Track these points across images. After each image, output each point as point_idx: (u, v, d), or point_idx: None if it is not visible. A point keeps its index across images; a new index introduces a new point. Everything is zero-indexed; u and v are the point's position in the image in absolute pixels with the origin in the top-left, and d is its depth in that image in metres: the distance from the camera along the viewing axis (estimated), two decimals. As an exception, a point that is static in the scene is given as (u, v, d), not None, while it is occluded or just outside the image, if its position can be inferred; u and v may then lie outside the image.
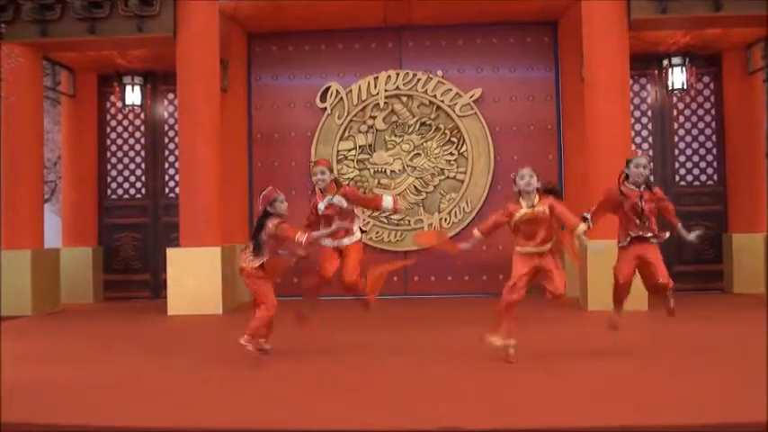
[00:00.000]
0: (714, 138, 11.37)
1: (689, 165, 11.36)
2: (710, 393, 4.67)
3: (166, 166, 11.91)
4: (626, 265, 5.99)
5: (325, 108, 11.37)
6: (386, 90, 11.27)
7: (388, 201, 6.54)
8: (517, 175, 5.80)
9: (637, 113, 11.33)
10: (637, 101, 11.35)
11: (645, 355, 5.92)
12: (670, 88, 11.09)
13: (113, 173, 11.99)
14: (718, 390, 4.74)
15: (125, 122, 11.99)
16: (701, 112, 11.42)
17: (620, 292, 6.11)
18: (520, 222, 5.67)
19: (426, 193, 11.24)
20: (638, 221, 5.91)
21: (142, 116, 11.91)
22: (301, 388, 5.06)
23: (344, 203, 6.31)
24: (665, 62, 11.06)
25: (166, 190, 11.86)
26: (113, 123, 12.03)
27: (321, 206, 6.27)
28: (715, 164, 11.33)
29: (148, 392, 5.01)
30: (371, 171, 11.29)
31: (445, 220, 11.15)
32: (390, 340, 6.68)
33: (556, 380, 5.13)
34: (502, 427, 4.01)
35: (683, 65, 10.92)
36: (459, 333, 7.22)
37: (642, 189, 5.97)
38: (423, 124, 11.30)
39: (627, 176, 6.02)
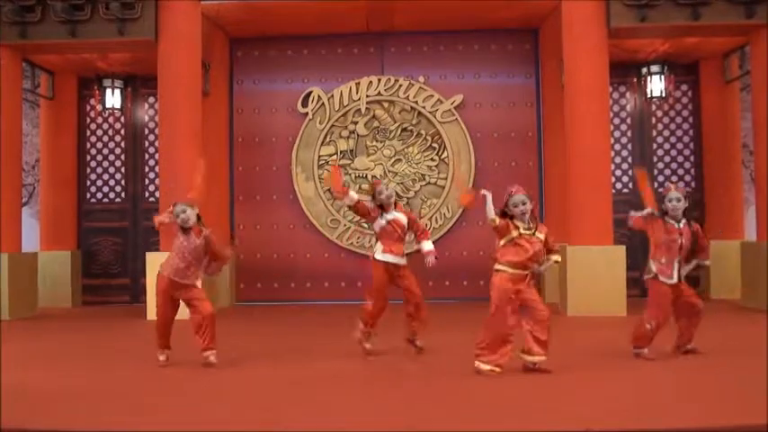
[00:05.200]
0: (692, 145, 11.51)
1: (667, 172, 11.48)
2: (704, 396, 4.74)
3: (146, 169, 11.85)
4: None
5: (307, 113, 11.38)
6: (367, 95, 11.30)
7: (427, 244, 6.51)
8: (510, 200, 5.43)
9: (616, 120, 11.43)
10: (616, 108, 11.46)
11: (633, 358, 5.97)
12: (649, 96, 11.22)
13: (93, 176, 11.91)
14: (713, 392, 4.82)
15: (105, 126, 11.92)
16: (679, 119, 11.56)
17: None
18: (512, 241, 5.41)
19: (407, 198, 11.27)
20: (675, 261, 5.83)
21: (122, 120, 11.84)
22: (289, 391, 5.06)
23: (405, 221, 6.40)
24: (644, 70, 11.18)
25: (146, 194, 11.79)
26: (93, 127, 11.95)
27: (382, 221, 6.32)
28: (693, 171, 11.46)
29: (125, 396, 4.98)
30: (353, 176, 11.29)
31: (426, 225, 11.15)
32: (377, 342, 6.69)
33: (550, 383, 5.16)
34: (489, 429, 4.04)
35: (661, 73, 11.06)
36: (443, 336, 7.25)
37: (681, 225, 5.85)
38: (404, 130, 11.34)
39: (665, 212, 5.86)
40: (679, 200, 5.85)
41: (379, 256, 6.36)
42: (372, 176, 11.20)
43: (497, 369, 5.41)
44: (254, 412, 4.49)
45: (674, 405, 4.47)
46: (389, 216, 6.35)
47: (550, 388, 5.02)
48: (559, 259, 5.63)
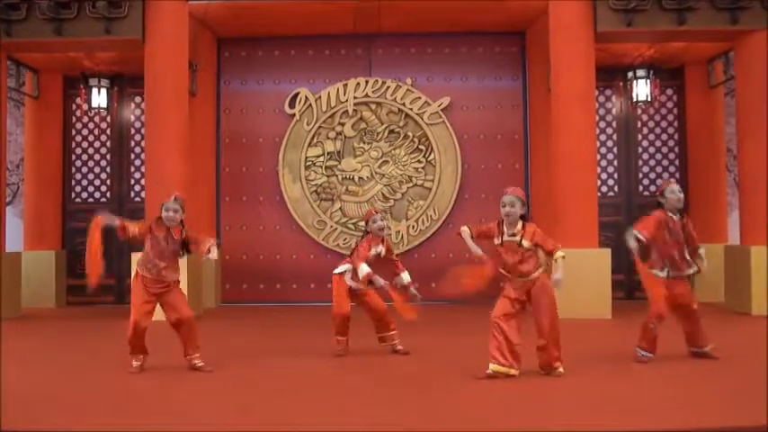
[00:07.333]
0: (677, 149, 11.60)
1: (652, 175, 11.56)
2: (700, 397, 4.79)
3: (132, 169, 11.78)
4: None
5: (294, 114, 11.37)
6: (355, 97, 11.30)
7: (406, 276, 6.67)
8: (501, 201, 5.46)
9: (602, 124, 11.51)
10: (602, 112, 11.53)
11: (623, 361, 6.01)
12: (634, 100, 11.29)
13: (78, 176, 11.83)
14: (708, 394, 4.88)
15: (90, 125, 11.84)
16: (664, 123, 11.65)
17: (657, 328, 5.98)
18: (500, 248, 5.45)
19: (394, 200, 11.28)
20: (676, 253, 5.96)
21: (108, 119, 11.77)
22: (277, 391, 5.06)
23: (383, 253, 6.60)
24: (630, 74, 11.26)
25: (132, 194, 11.72)
26: (78, 126, 11.87)
27: (374, 253, 6.47)
28: (677, 175, 11.54)
29: (111, 398, 4.96)
30: (339, 178, 11.30)
31: (413, 227, 11.20)
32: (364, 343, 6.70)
33: (542, 385, 5.18)
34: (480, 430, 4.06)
35: (647, 77, 11.13)
36: (432, 339, 7.27)
37: (678, 217, 6.03)
38: (391, 132, 11.35)
39: (660, 204, 6.03)
40: (681, 191, 6.01)
41: (348, 281, 6.50)
42: (360, 178, 11.22)
43: (502, 370, 5.35)
44: (240, 413, 4.48)
45: (671, 406, 4.51)
46: (376, 251, 6.49)
47: (543, 390, 5.04)
48: (563, 255, 5.40)
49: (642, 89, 11.17)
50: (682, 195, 6.01)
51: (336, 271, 6.59)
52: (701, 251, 6.14)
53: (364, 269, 6.27)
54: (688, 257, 6.03)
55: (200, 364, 5.80)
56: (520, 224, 5.44)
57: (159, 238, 5.83)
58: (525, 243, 5.38)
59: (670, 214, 6.00)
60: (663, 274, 5.99)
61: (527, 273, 5.41)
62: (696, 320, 6.09)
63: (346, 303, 6.47)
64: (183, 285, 9.21)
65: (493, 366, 5.34)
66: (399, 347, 6.53)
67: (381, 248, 6.52)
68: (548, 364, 5.45)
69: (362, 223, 6.81)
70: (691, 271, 6.07)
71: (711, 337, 6.23)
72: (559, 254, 5.38)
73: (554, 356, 5.43)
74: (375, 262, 6.49)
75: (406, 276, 6.58)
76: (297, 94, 11.38)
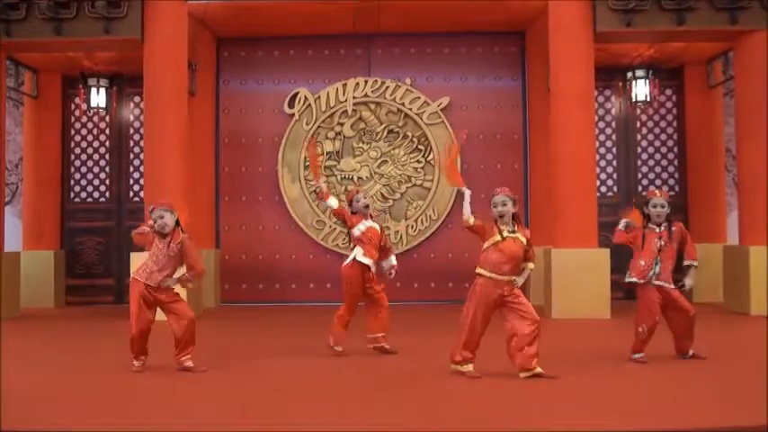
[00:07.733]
0: (676, 149, 11.60)
1: (651, 175, 11.57)
2: (698, 397, 4.80)
3: (131, 169, 11.77)
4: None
5: (293, 114, 11.36)
6: (354, 97, 11.30)
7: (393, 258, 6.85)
8: (491, 200, 5.47)
9: (601, 124, 11.50)
10: (601, 112, 11.53)
11: (621, 361, 6.02)
12: (634, 100, 11.29)
13: (77, 176, 11.82)
14: (706, 394, 4.89)
15: (89, 125, 11.83)
16: (663, 123, 11.65)
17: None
18: (499, 245, 5.37)
19: (393, 200, 11.29)
20: (655, 263, 5.88)
21: (107, 119, 11.76)
22: (273, 392, 5.05)
23: (379, 231, 6.68)
24: (630, 74, 11.26)
25: (131, 194, 11.71)
26: (77, 126, 11.86)
27: (362, 227, 6.56)
28: (676, 175, 11.56)
29: (110, 398, 4.96)
30: (339, 177, 11.30)
31: (412, 227, 11.20)
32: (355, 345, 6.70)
33: (539, 386, 5.16)
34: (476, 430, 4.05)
35: (646, 77, 11.13)
36: (430, 338, 7.27)
37: (662, 228, 5.95)
38: (390, 131, 11.35)
39: (648, 217, 6.00)
40: (663, 206, 5.95)
41: (360, 258, 6.50)
42: (359, 178, 11.22)
43: (467, 369, 5.45)
44: (240, 413, 4.48)
45: (671, 406, 4.51)
46: (368, 223, 6.59)
47: (543, 390, 5.03)
48: (533, 267, 5.54)
49: (641, 89, 11.18)
50: (662, 210, 5.93)
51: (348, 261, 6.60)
52: (694, 263, 6.06)
53: (333, 203, 6.66)
54: (657, 268, 5.87)
55: (190, 365, 5.77)
56: (514, 224, 5.46)
57: (156, 241, 5.80)
58: (521, 237, 5.40)
59: (652, 226, 5.97)
60: (632, 279, 5.98)
61: (517, 271, 5.41)
62: (691, 326, 6.02)
63: (357, 301, 6.55)
64: (182, 288, 9.26)
65: (466, 367, 5.45)
66: (386, 346, 6.53)
67: (375, 225, 6.62)
68: (524, 366, 5.35)
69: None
70: (665, 285, 5.91)
71: (710, 338, 6.23)
72: (532, 265, 5.52)
73: (529, 355, 5.35)
74: (377, 243, 6.58)
75: (393, 259, 6.77)
76: (296, 94, 11.38)
